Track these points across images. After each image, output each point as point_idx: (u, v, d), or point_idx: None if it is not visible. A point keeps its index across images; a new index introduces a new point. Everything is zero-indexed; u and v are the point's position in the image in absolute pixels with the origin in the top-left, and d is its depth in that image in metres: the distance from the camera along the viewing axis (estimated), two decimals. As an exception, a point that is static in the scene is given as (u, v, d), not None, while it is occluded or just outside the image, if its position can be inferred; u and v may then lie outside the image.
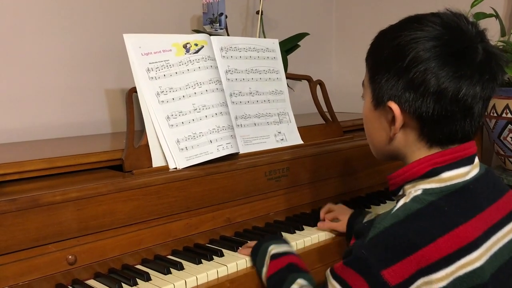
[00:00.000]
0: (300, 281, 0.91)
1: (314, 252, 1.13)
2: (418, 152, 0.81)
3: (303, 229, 1.20)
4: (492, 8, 1.56)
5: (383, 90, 0.81)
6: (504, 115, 1.48)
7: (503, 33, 1.56)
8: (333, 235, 1.20)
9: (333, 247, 1.17)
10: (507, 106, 1.46)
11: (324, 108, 1.52)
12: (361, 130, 1.67)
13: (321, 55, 2.28)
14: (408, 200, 0.77)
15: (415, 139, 0.81)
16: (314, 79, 1.52)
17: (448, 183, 0.78)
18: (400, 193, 0.82)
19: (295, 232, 1.18)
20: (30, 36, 1.44)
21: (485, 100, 0.78)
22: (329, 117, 1.52)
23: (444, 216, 0.74)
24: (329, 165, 1.39)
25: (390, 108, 0.80)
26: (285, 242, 1.05)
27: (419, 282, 0.71)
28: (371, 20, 2.14)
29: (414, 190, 0.78)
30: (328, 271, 0.79)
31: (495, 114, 1.50)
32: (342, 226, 1.17)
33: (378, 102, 0.83)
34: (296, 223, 1.23)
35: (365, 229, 0.77)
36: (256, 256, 1.01)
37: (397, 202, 0.79)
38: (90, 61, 1.55)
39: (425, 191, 0.77)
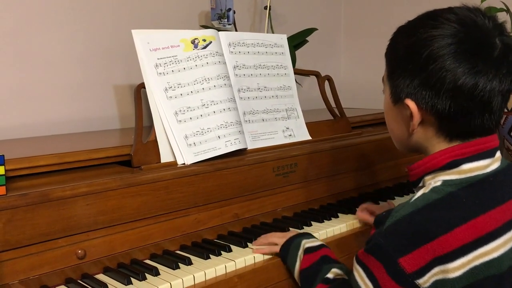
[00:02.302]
0: (335, 270, 0.93)
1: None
2: (438, 145, 0.82)
3: (311, 225, 1.20)
4: (503, 3, 1.54)
5: (400, 88, 0.82)
6: (515, 111, 1.46)
7: (514, 28, 1.55)
8: (341, 231, 1.19)
9: (343, 242, 1.17)
10: None
11: (333, 104, 1.52)
12: (369, 126, 1.67)
13: (330, 51, 2.27)
14: (427, 190, 0.78)
15: (434, 134, 0.82)
16: (323, 75, 1.51)
17: (468, 175, 0.78)
18: (420, 184, 0.83)
19: (303, 228, 1.18)
20: (39, 32, 1.45)
21: (504, 93, 0.78)
22: (337, 112, 1.51)
23: (462, 206, 0.75)
24: (337, 161, 1.38)
25: (407, 105, 0.81)
26: (314, 237, 1.06)
27: (435, 270, 0.72)
28: (380, 15, 2.12)
29: (434, 181, 0.79)
30: (354, 257, 0.82)
31: (505, 110, 1.49)
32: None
33: (396, 99, 0.84)
34: (304, 219, 1.23)
35: (383, 218, 0.78)
36: (288, 252, 1.01)
37: (416, 193, 0.80)
38: (99, 57, 1.55)
39: (445, 182, 0.78)
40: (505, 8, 1.51)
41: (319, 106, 1.63)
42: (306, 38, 1.83)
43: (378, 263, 0.75)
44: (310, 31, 1.83)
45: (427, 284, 0.73)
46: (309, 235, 1.06)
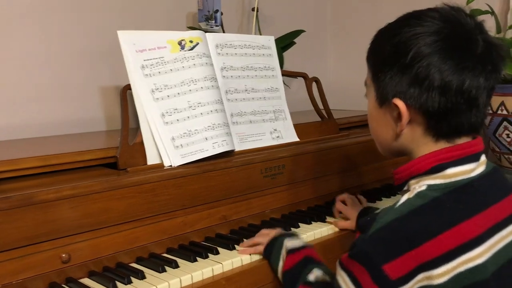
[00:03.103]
0: (317, 272, 0.92)
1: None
2: (424, 146, 0.81)
3: (298, 227, 1.20)
4: (488, 5, 1.56)
5: (387, 88, 0.81)
6: (499, 111, 1.48)
7: (498, 30, 1.56)
8: (328, 233, 1.19)
9: (330, 244, 1.16)
10: (502, 103, 1.46)
11: (320, 105, 1.52)
12: (357, 127, 1.68)
13: (317, 52, 2.27)
14: (412, 195, 0.77)
15: (421, 134, 0.81)
16: (310, 76, 1.51)
17: (453, 179, 0.78)
18: (405, 188, 0.82)
19: (290, 230, 1.18)
20: (23, 34, 1.43)
21: (489, 90, 0.79)
22: (325, 114, 1.51)
23: (446, 212, 0.75)
24: (325, 162, 1.39)
25: (396, 105, 0.80)
26: (298, 237, 1.06)
27: (420, 277, 0.72)
28: (367, 16, 2.13)
29: (419, 186, 0.78)
30: (338, 261, 0.81)
31: (491, 111, 1.50)
32: (351, 224, 1.19)
33: (383, 100, 0.83)
34: (291, 220, 1.23)
35: (368, 223, 0.77)
36: (271, 252, 1.01)
37: (401, 197, 0.79)
38: (84, 58, 1.54)
39: (430, 186, 0.77)
40: (490, 10, 1.53)
41: (307, 108, 1.63)
42: (294, 40, 1.83)
43: (362, 269, 0.74)
44: (297, 32, 1.84)
45: None
46: (292, 235, 1.05)
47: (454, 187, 0.77)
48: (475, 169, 0.80)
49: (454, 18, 0.79)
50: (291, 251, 0.98)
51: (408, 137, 0.82)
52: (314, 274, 0.92)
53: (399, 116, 0.81)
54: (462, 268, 0.72)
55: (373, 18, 2.10)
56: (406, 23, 0.80)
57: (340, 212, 1.26)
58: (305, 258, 0.97)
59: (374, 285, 0.73)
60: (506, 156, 1.53)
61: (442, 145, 0.81)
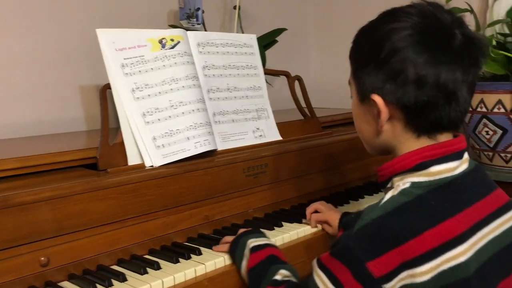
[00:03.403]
0: (283, 272, 0.91)
1: (293, 249, 1.12)
2: (406, 143, 0.81)
3: (282, 226, 1.20)
4: (467, 3, 1.57)
5: (366, 84, 0.81)
6: (478, 109, 1.50)
7: (477, 28, 1.58)
8: (312, 231, 1.19)
9: (313, 243, 1.16)
10: (481, 101, 1.48)
11: (303, 104, 1.52)
12: (340, 125, 1.68)
13: (300, 51, 2.27)
14: (396, 193, 0.77)
15: (401, 130, 0.81)
16: (292, 75, 1.51)
17: (437, 177, 0.78)
18: (389, 185, 0.82)
19: (273, 229, 1.18)
20: (0, 32, 1.39)
21: (469, 85, 0.78)
22: (307, 112, 1.51)
23: (430, 210, 0.75)
24: (308, 161, 1.38)
25: (374, 101, 0.80)
26: (264, 235, 1.05)
27: (403, 274, 0.71)
28: (350, 15, 2.14)
29: (403, 183, 0.78)
30: (314, 261, 0.79)
31: (470, 108, 1.52)
32: (334, 230, 1.16)
33: (363, 96, 0.83)
34: (275, 219, 1.23)
35: (352, 221, 0.77)
36: (235, 250, 1.00)
37: (385, 195, 0.79)
38: (63, 57, 1.51)
39: (413, 184, 0.77)
40: (469, 8, 1.55)
41: (289, 106, 1.63)
42: (276, 38, 1.83)
43: (343, 267, 0.74)
44: (279, 31, 1.83)
45: None
46: (257, 233, 1.04)
47: (438, 185, 0.77)
48: (458, 167, 0.80)
49: (430, 13, 0.79)
50: (254, 249, 0.97)
51: (389, 134, 0.82)
52: (281, 274, 0.91)
53: (378, 113, 0.81)
54: (445, 266, 0.72)
55: (355, 17, 2.11)
56: (383, 19, 0.81)
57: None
58: (269, 256, 0.96)
59: (357, 283, 0.72)
60: (486, 153, 1.55)
61: (423, 141, 0.81)
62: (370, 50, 0.80)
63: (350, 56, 0.87)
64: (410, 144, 0.81)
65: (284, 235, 1.14)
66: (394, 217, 0.74)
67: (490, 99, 1.45)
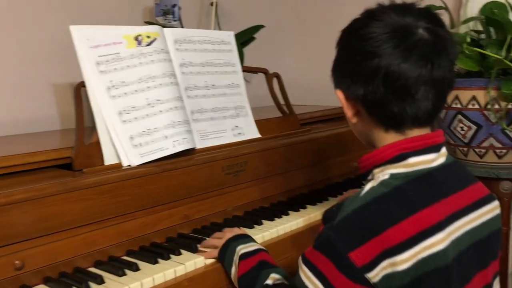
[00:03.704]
0: (274, 275, 0.92)
1: (273, 246, 1.12)
2: (379, 136, 0.83)
3: (262, 224, 1.19)
4: (442, 1, 1.59)
5: (334, 81, 0.87)
6: (453, 105, 1.52)
7: (452, 25, 1.60)
8: (292, 229, 1.19)
9: (294, 240, 1.16)
10: (456, 97, 1.50)
11: (281, 101, 1.52)
12: (318, 122, 1.69)
13: (277, 48, 2.27)
14: (375, 184, 0.79)
15: (369, 123, 0.84)
16: (271, 72, 1.50)
17: (415, 168, 0.80)
18: (369, 177, 0.84)
19: (253, 227, 1.17)
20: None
21: (432, 82, 0.78)
22: (286, 109, 1.51)
23: (408, 199, 0.77)
24: (287, 158, 1.38)
25: (338, 96, 0.85)
26: (252, 239, 1.04)
27: (384, 263, 0.73)
28: (327, 12, 2.14)
29: (382, 175, 0.80)
30: (299, 258, 0.81)
31: (445, 105, 1.54)
32: None
33: (335, 92, 0.87)
34: (255, 217, 1.22)
35: (334, 213, 0.78)
36: (224, 258, 1.00)
37: (365, 186, 0.81)
38: (36, 54, 1.47)
39: (392, 175, 0.79)
40: (444, 5, 1.57)
41: (268, 103, 1.62)
42: (254, 35, 1.82)
43: (326, 260, 0.75)
44: (257, 28, 1.82)
45: (377, 279, 0.73)
46: (246, 238, 1.03)
47: (415, 176, 0.79)
48: (436, 159, 0.82)
49: (395, 13, 0.79)
50: (244, 256, 0.97)
51: (361, 127, 0.86)
52: (272, 278, 0.92)
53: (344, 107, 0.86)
54: (424, 254, 0.74)
55: (332, 14, 2.12)
56: (352, 21, 0.85)
57: None
58: (260, 262, 0.96)
59: (340, 274, 0.74)
60: (461, 149, 1.57)
61: (392, 135, 0.82)
62: (336, 48, 0.86)
63: None
64: (382, 136, 0.83)
65: (265, 233, 1.13)
66: (373, 207, 0.76)
67: (465, 95, 1.47)
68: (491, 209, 0.86)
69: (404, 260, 0.73)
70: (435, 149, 0.82)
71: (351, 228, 0.75)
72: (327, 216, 0.80)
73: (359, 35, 0.80)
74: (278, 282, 0.91)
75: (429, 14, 0.81)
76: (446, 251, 0.75)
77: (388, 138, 0.82)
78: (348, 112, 0.85)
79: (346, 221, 0.76)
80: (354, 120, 0.85)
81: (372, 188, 0.78)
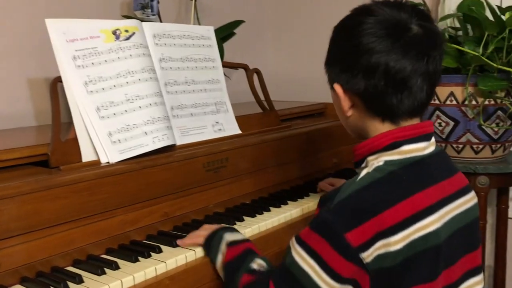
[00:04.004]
0: (260, 261, 0.94)
1: (255, 243, 1.11)
2: (373, 127, 0.87)
3: (243, 220, 1.19)
4: (420, -3, 1.61)
5: (331, 75, 0.89)
6: (432, 101, 1.54)
7: (430, 23, 1.62)
8: (273, 225, 1.19)
9: (276, 236, 1.16)
10: (434, 93, 1.52)
11: (262, 97, 1.51)
12: (298, 118, 1.69)
13: (257, 43, 2.26)
14: (370, 170, 0.83)
15: (365, 115, 0.87)
16: (251, 68, 1.49)
17: (408, 155, 0.84)
18: (363, 165, 0.88)
19: (235, 223, 1.16)
20: None
21: (424, 75, 0.82)
22: (266, 105, 1.51)
23: (402, 184, 0.82)
24: (268, 154, 1.38)
25: (335, 90, 0.88)
26: (236, 230, 1.06)
27: (378, 244, 0.77)
28: (307, 8, 2.14)
29: (377, 162, 0.84)
30: (293, 239, 0.84)
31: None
32: None
33: (331, 85, 0.91)
34: (236, 214, 1.21)
35: (330, 197, 0.82)
36: (210, 245, 1.00)
37: (360, 172, 0.85)
38: (10, 48, 1.43)
39: (387, 162, 0.84)
40: (422, 2, 1.58)
41: (248, 99, 1.62)
42: (234, 31, 1.81)
43: (322, 240, 0.78)
44: (237, 23, 1.81)
45: (370, 258, 0.77)
46: (233, 230, 1.05)
47: (408, 163, 0.84)
48: (427, 147, 0.86)
49: (388, 8, 0.84)
50: (231, 244, 0.98)
51: (356, 119, 0.89)
52: (257, 263, 0.93)
53: (341, 100, 0.88)
54: (416, 235, 0.78)
55: (313, 10, 2.12)
56: (346, 16, 0.89)
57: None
58: (246, 250, 0.97)
59: (336, 254, 0.77)
60: (438, 144, 1.59)
61: (388, 125, 0.86)
62: (332, 44, 0.90)
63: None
64: (377, 127, 0.87)
65: (246, 230, 1.13)
66: (369, 190, 0.80)
67: (443, 91, 1.49)
68: (472, 198, 0.91)
69: (397, 241, 0.77)
70: (426, 138, 0.87)
71: (348, 210, 0.79)
72: (324, 200, 0.84)
73: (357, 31, 0.82)
74: (263, 268, 0.92)
75: (419, 10, 0.85)
76: (438, 232, 0.80)
77: (382, 129, 0.86)
78: (345, 105, 0.87)
79: (343, 203, 0.80)
80: (349, 113, 0.88)
81: (368, 174, 0.83)
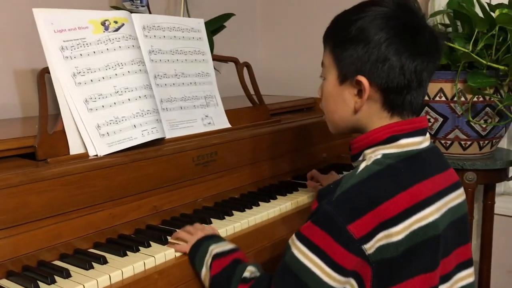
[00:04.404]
0: (251, 268, 0.93)
1: (244, 237, 1.11)
2: (380, 121, 0.88)
3: (232, 215, 1.18)
4: (411, -6, 1.61)
5: (352, 67, 0.86)
6: (421, 97, 1.54)
7: (421, 19, 1.62)
8: (262, 220, 1.18)
9: (265, 231, 1.16)
10: (424, 89, 1.53)
11: (251, 91, 1.50)
12: (288, 112, 1.68)
13: (247, 37, 2.25)
14: (369, 163, 0.84)
15: (377, 109, 0.88)
16: (240, 61, 1.48)
17: (405, 149, 0.86)
18: (360, 158, 0.89)
19: (224, 218, 1.16)
20: None
21: (431, 72, 0.88)
22: (256, 100, 1.50)
23: (401, 176, 0.83)
24: (258, 148, 1.37)
25: (358, 82, 0.86)
26: (224, 240, 1.02)
27: (380, 235, 0.78)
28: (298, 1, 2.13)
29: (375, 155, 0.85)
30: (292, 236, 0.84)
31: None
32: None
33: (346, 77, 0.88)
34: (225, 208, 1.21)
35: (331, 190, 0.83)
36: (195, 257, 0.97)
37: (359, 166, 0.85)
38: (-5, 38, 1.40)
39: (385, 155, 0.85)
40: (413, -1, 1.58)
41: (237, 93, 1.61)
42: (224, 24, 1.79)
43: (324, 234, 0.78)
44: (227, 16, 1.79)
45: (372, 250, 0.78)
46: (218, 238, 1.01)
47: (406, 156, 0.85)
48: (423, 142, 0.88)
49: (404, 3, 0.87)
50: (217, 256, 0.95)
51: (365, 113, 0.88)
52: (249, 271, 0.92)
53: (359, 93, 0.87)
54: (416, 226, 0.80)
55: (303, 4, 2.11)
56: (366, 7, 0.87)
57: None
58: (234, 260, 0.95)
59: (339, 247, 0.77)
60: (428, 140, 1.60)
61: (396, 119, 0.88)
62: (358, 34, 0.85)
63: (327, 39, 0.92)
64: (383, 122, 0.88)
65: (235, 224, 1.12)
66: (369, 183, 0.81)
67: (432, 87, 1.49)
68: (461, 194, 0.93)
69: (399, 232, 0.78)
70: (422, 132, 0.88)
71: (350, 202, 0.79)
72: (323, 193, 0.84)
73: (392, 40, 0.83)
74: (255, 275, 0.91)
75: (419, 10, 0.89)
76: (436, 222, 0.82)
77: (385, 123, 0.87)
78: (364, 98, 0.86)
79: (344, 196, 0.80)
80: (361, 107, 0.87)
81: (367, 167, 0.83)
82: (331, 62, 0.90)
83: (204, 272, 0.96)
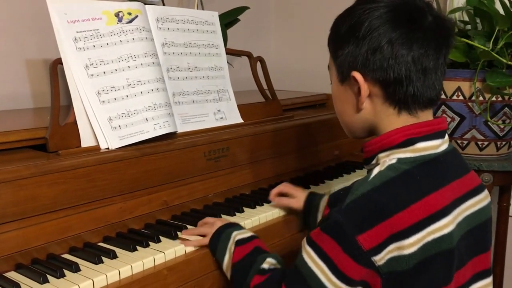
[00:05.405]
0: (270, 260, 0.92)
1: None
2: (388, 119, 0.83)
3: (243, 211, 1.17)
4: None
5: (346, 64, 0.83)
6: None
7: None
8: (274, 217, 1.17)
9: (275, 228, 1.14)
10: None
11: (264, 86, 1.48)
12: (300, 108, 1.66)
13: (259, 31, 2.22)
14: (383, 168, 0.79)
15: (381, 105, 0.83)
16: (254, 56, 1.46)
17: (422, 153, 0.81)
18: (373, 162, 0.84)
19: (235, 215, 1.14)
20: None
21: (440, 63, 0.82)
22: (269, 95, 1.48)
23: (416, 184, 0.78)
24: (269, 145, 1.36)
25: (354, 78, 0.82)
26: (243, 227, 1.02)
27: (391, 247, 0.74)
28: (311, -4, 2.10)
29: (389, 159, 0.80)
30: (304, 239, 0.81)
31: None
32: (298, 202, 1.17)
33: (343, 76, 0.85)
34: (236, 204, 1.19)
35: (341, 196, 0.79)
36: (217, 245, 0.97)
37: (368, 172, 0.82)
38: (8, 27, 1.39)
39: (400, 160, 0.80)
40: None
41: (249, 88, 1.59)
42: (238, 17, 1.77)
43: (333, 242, 0.75)
44: (242, 9, 1.77)
45: (382, 262, 0.74)
46: (239, 226, 1.02)
47: (423, 161, 0.80)
48: (441, 145, 0.83)
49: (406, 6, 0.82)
50: (239, 243, 0.95)
51: (370, 111, 0.84)
52: (268, 263, 0.91)
53: (359, 90, 0.83)
54: (429, 238, 0.75)
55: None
56: (360, 2, 0.84)
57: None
58: (255, 248, 0.95)
59: (346, 257, 0.74)
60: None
61: (405, 117, 0.82)
62: (349, 31, 0.82)
63: (328, 42, 0.89)
64: (392, 120, 0.83)
65: (246, 221, 1.11)
66: (382, 191, 0.76)
67: (450, 86, 1.46)
68: (484, 198, 0.88)
69: (411, 244, 0.74)
70: (441, 135, 0.83)
71: (360, 211, 0.75)
72: (334, 200, 0.82)
73: (382, 29, 0.79)
74: (273, 267, 0.91)
75: (428, 2, 0.84)
76: (451, 235, 0.77)
77: (397, 123, 0.82)
78: (363, 94, 0.82)
79: (355, 204, 0.76)
80: (365, 103, 0.83)
81: (380, 173, 0.78)
82: (331, 63, 0.89)
83: (227, 259, 0.95)
